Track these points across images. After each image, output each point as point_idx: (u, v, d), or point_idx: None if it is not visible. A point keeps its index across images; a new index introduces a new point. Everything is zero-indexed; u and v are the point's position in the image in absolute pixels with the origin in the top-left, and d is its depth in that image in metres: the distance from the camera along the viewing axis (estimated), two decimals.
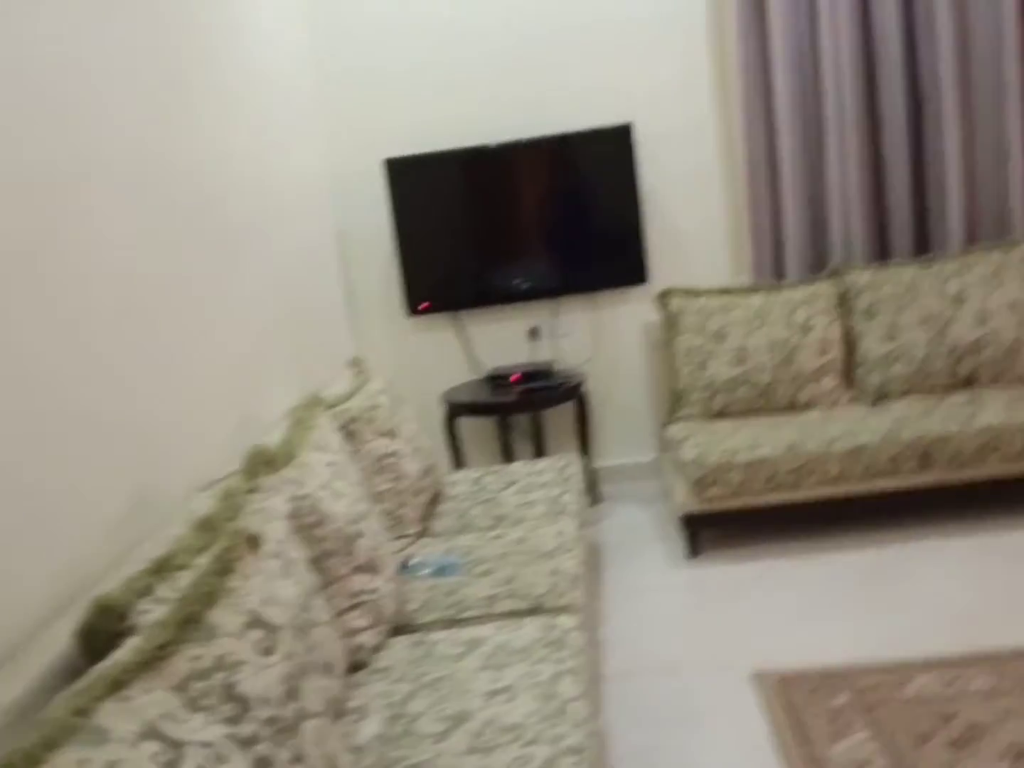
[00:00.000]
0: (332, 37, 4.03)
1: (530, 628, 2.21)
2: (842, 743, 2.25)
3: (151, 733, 1.27)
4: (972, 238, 3.93)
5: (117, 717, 1.26)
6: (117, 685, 1.31)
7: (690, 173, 4.09)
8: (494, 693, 1.94)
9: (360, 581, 2.19)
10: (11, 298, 1.71)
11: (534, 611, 2.34)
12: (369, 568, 2.22)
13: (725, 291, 3.87)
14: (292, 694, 1.53)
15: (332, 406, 2.69)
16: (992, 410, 3.35)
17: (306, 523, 2.11)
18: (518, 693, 1.92)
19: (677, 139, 4.06)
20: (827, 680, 2.52)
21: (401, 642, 2.24)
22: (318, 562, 2.13)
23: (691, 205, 4.11)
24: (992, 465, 3.30)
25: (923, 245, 3.99)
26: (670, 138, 4.06)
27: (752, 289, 3.87)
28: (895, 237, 3.97)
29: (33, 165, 1.83)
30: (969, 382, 3.65)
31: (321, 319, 3.69)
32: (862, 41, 3.84)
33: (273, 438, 2.44)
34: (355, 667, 2.15)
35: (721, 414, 3.77)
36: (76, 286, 1.92)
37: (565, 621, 2.22)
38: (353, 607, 2.17)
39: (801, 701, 2.44)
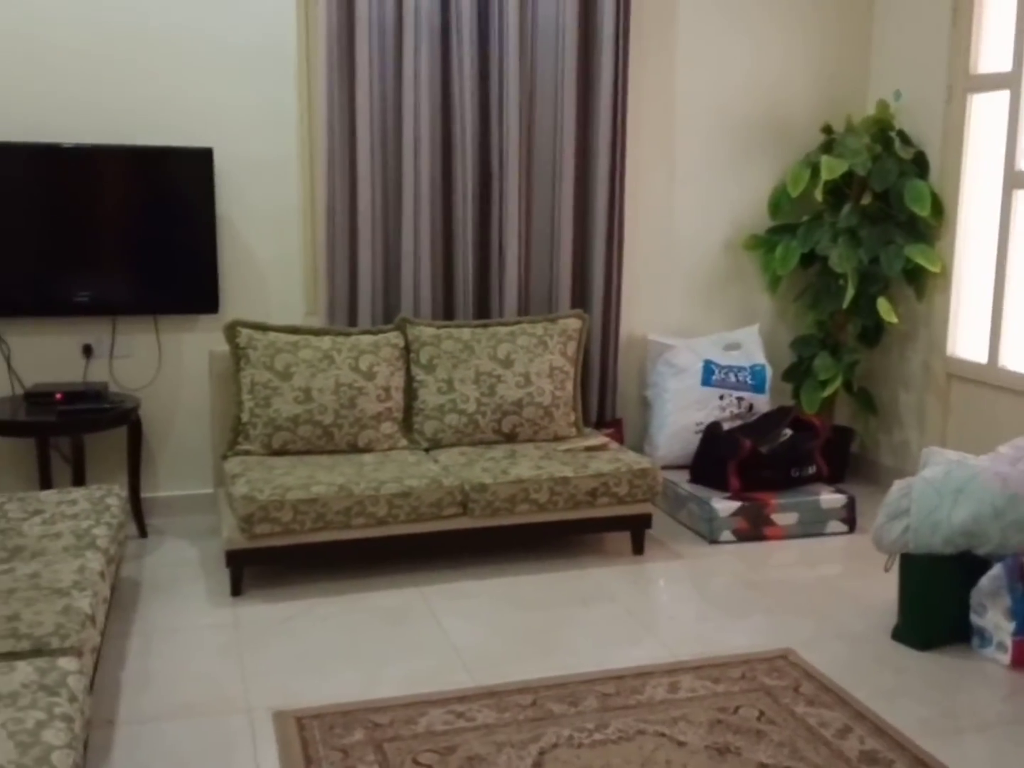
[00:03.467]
0: None
1: (24, 671, 2.01)
2: None
3: None
4: (525, 309, 4.32)
5: None
6: None
7: (271, 209, 4.08)
8: None
9: None
10: None
11: (35, 653, 2.15)
12: None
13: (295, 330, 3.88)
14: None
15: None
16: (525, 464, 3.68)
17: None
18: None
19: (260, 172, 4.03)
20: (344, 718, 2.57)
21: None
22: None
23: (270, 240, 4.10)
24: (521, 514, 3.61)
25: (483, 310, 4.32)
26: (252, 170, 4.02)
27: (322, 331, 3.92)
28: (459, 299, 4.25)
29: None
30: (510, 437, 3.99)
31: None
32: (441, 112, 4.10)
33: None
34: None
35: (281, 451, 3.76)
36: None
37: (66, 664, 2.06)
38: None
39: (316, 740, 2.47)
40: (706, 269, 4.73)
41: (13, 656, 2.13)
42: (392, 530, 3.49)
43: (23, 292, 3.74)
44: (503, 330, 4.08)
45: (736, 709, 2.68)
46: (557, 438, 4.05)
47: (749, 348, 4.51)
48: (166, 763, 2.40)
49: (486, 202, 4.25)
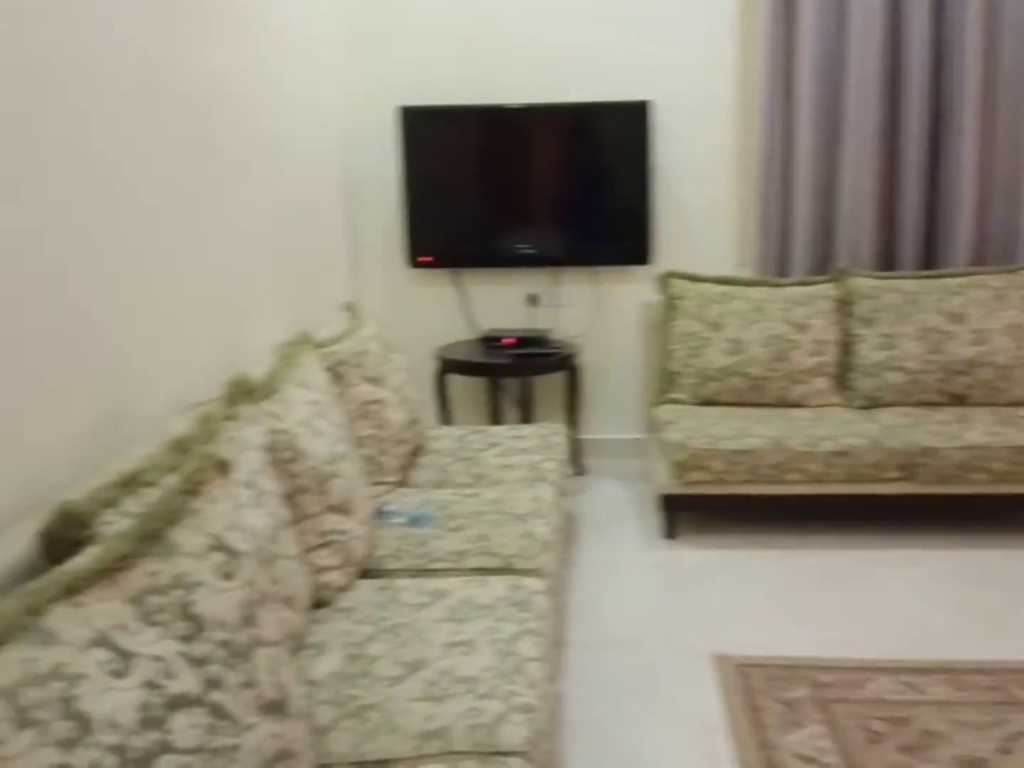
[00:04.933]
0: None
1: (497, 586, 2.19)
2: (795, 734, 2.25)
3: (101, 640, 1.25)
4: (979, 259, 3.90)
5: (68, 621, 1.24)
6: (71, 590, 1.28)
7: (705, 158, 4.05)
8: (453, 645, 1.92)
9: (332, 521, 2.17)
10: None
11: (503, 570, 2.33)
12: (342, 509, 2.20)
13: (726, 280, 3.84)
14: (249, 621, 1.51)
15: (321, 346, 2.66)
16: (979, 429, 3.33)
17: (282, 457, 2.08)
18: (477, 647, 1.91)
19: (695, 122, 4.01)
20: (786, 672, 2.52)
21: (367, 585, 2.22)
22: (291, 498, 2.10)
23: (702, 191, 4.07)
24: (974, 483, 3.29)
25: (929, 259, 3.97)
26: (688, 120, 4.01)
27: (753, 282, 3.84)
28: (902, 248, 3.94)
29: (27, 62, 1.78)
30: (960, 399, 3.63)
31: (321, 261, 3.65)
32: (889, 47, 3.79)
33: (258, 370, 2.41)
34: (319, 604, 2.14)
35: (710, 401, 3.75)
36: (52, 191, 1.88)
37: (532, 583, 2.21)
38: (323, 545, 2.15)
39: (758, 689, 2.44)
40: None
41: (485, 572, 2.33)
42: (827, 489, 3.34)
43: (478, 245, 4.06)
44: (954, 282, 3.72)
45: None
46: (1017, 404, 3.62)
47: None
48: (612, 687, 2.50)
49: (936, 142, 3.88)
